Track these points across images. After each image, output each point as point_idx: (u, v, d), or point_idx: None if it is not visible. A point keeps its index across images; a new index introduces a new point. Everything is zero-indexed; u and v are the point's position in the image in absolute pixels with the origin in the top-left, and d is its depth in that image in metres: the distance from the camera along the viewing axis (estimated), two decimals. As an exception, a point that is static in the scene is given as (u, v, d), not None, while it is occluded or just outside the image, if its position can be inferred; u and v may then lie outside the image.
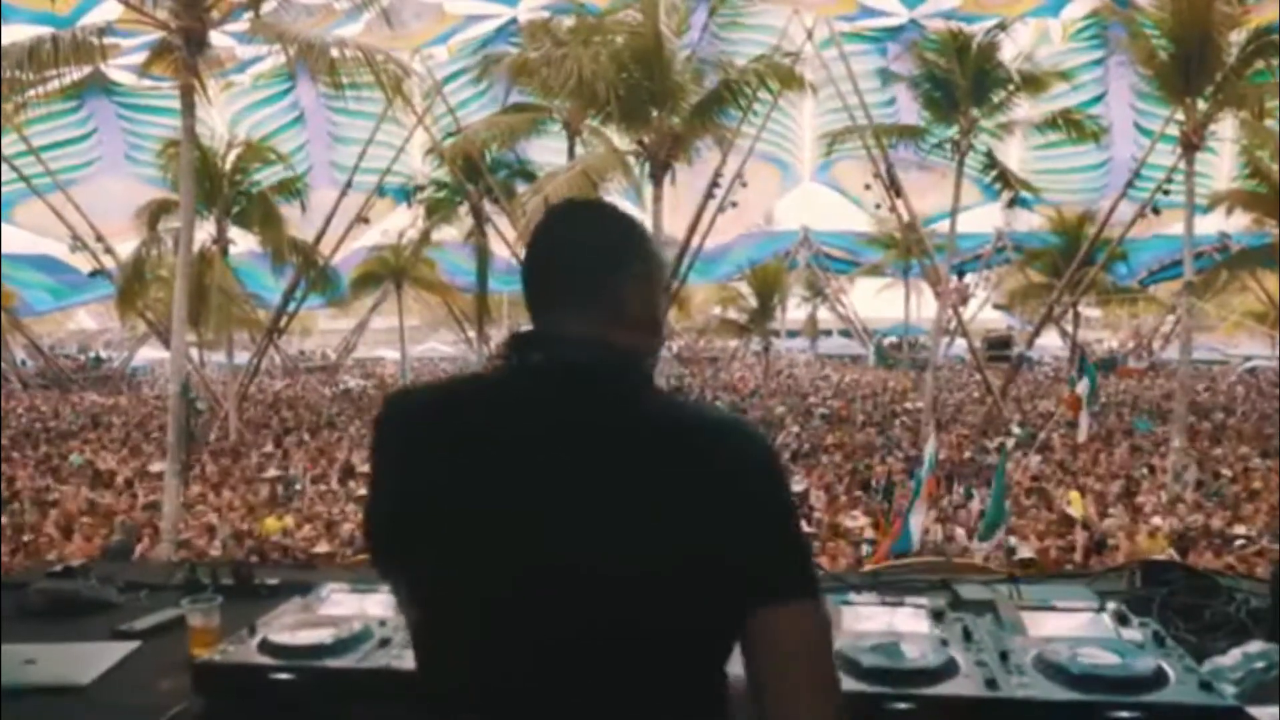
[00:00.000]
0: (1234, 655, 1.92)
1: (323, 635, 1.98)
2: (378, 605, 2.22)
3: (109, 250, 24.22)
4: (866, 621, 2.04)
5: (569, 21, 20.30)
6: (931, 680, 1.73)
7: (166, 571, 2.74)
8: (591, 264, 1.38)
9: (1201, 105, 18.17)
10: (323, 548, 10.87)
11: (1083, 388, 15.24)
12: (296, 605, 2.23)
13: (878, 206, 25.94)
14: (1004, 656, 1.81)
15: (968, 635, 1.93)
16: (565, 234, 1.43)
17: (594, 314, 1.36)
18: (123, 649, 2.23)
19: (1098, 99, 24.88)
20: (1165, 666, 1.76)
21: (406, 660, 1.91)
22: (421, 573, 1.35)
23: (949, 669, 1.76)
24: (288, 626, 2.06)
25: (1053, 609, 2.10)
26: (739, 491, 1.25)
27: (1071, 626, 1.99)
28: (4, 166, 22.53)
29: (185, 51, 13.20)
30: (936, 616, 2.04)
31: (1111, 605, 2.09)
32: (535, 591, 1.25)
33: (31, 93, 13.80)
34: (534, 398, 1.32)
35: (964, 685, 1.72)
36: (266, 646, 1.96)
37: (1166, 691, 1.69)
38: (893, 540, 8.97)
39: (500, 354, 1.41)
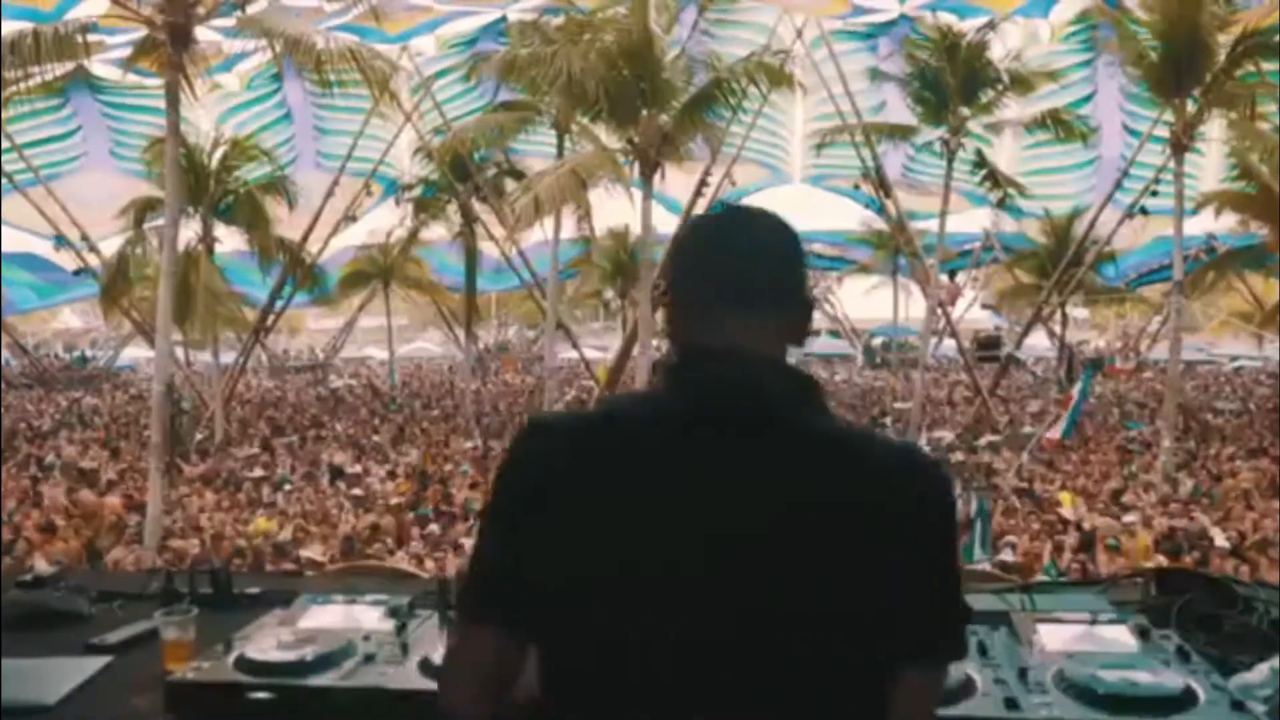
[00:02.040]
0: (1261, 671, 1.83)
1: (303, 651, 1.88)
2: (362, 617, 2.12)
3: (93, 248, 24.01)
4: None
5: (558, 21, 20.20)
6: (948, 700, 1.63)
7: (141, 580, 2.63)
8: (790, 275, 1.32)
9: (1191, 106, 18.19)
10: (312, 550, 10.72)
11: (1075, 390, 15.30)
12: (276, 617, 2.12)
13: (867, 205, 25.90)
14: (1023, 674, 1.71)
15: (983, 650, 1.83)
16: (759, 239, 1.32)
17: (777, 330, 1.29)
18: (93, 664, 2.12)
19: (1086, 99, 24.88)
20: (1194, 684, 1.67)
21: (392, 678, 1.81)
22: (581, 623, 1.23)
23: (966, 688, 1.67)
24: (266, 641, 1.95)
25: (1070, 621, 2.00)
26: (918, 537, 1.20)
27: (1091, 640, 1.90)
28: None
29: (170, 47, 13.05)
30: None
31: (1133, 618, 2.00)
32: (703, 633, 1.18)
33: (13, 89, 13.67)
34: (717, 427, 1.21)
35: (983, 706, 1.63)
36: (243, 663, 1.85)
37: (1197, 712, 1.60)
38: None
39: (673, 372, 1.29)
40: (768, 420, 1.22)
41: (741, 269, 1.28)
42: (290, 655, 1.85)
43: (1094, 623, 1.98)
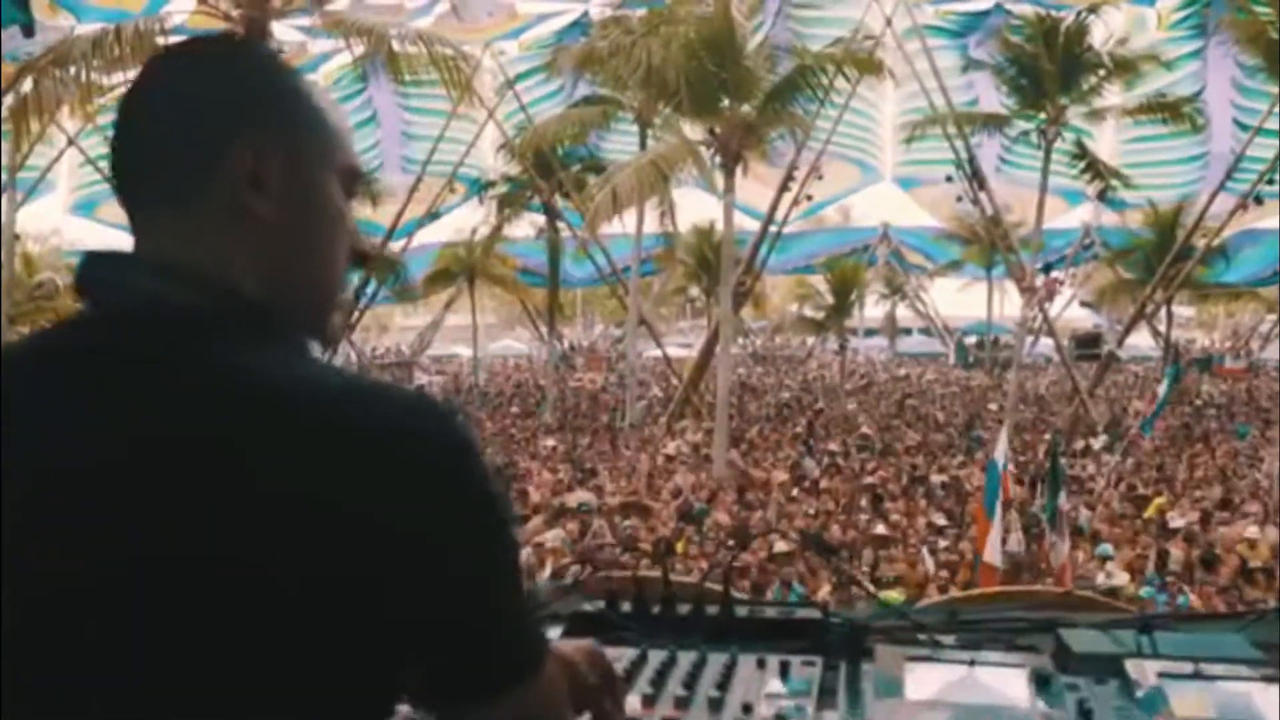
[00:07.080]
0: None
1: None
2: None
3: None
4: (942, 685, 1.46)
5: (640, 13, 19.93)
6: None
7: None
8: (199, 135, 0.87)
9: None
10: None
11: (1161, 389, 14.55)
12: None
13: (959, 199, 25.01)
14: (1144, 752, 1.25)
15: (1086, 714, 1.36)
16: (155, 96, 0.89)
17: (199, 223, 0.86)
18: None
19: (1196, 95, 23.59)
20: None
21: None
22: None
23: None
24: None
25: (1207, 675, 1.48)
26: (415, 512, 0.79)
27: (1239, 704, 1.40)
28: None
29: (247, 41, 13.07)
30: (1041, 682, 1.45)
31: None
32: (81, 632, 0.77)
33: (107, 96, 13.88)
34: (91, 359, 0.84)
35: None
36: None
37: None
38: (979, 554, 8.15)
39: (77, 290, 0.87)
40: (159, 355, 0.82)
41: (137, 144, 0.89)
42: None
43: (1238, 678, 1.48)
